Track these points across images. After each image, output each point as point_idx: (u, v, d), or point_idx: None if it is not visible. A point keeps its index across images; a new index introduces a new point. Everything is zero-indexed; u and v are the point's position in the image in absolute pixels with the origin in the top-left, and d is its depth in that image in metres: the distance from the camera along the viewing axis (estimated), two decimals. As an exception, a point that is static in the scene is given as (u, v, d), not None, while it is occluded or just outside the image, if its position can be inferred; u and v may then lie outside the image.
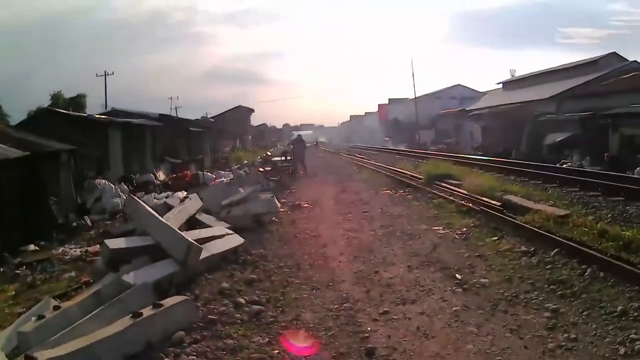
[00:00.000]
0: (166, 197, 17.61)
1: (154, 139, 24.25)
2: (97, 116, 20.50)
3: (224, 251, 6.97)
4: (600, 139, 20.59)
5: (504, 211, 9.27)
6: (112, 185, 17.13)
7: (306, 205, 12.11)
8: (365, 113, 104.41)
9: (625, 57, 34.04)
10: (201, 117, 60.17)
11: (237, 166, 32.21)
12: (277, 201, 11.79)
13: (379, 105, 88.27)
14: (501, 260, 6.62)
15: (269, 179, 16.25)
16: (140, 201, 7.80)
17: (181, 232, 6.63)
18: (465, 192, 11.38)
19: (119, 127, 20.62)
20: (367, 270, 6.45)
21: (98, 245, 10.70)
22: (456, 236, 8.17)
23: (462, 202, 10.56)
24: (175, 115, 53.53)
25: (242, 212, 9.18)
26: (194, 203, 9.20)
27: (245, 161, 35.01)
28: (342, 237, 8.47)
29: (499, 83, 47.70)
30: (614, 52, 34.75)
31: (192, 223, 8.76)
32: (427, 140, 46.52)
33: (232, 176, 21.51)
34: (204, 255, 6.50)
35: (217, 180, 21.31)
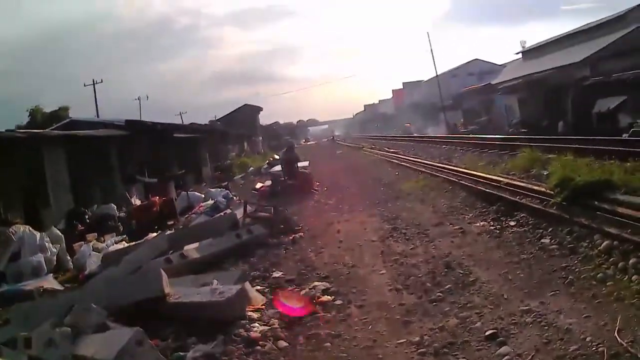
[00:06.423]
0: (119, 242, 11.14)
1: (123, 154, 17.32)
2: (19, 131, 13.68)
3: None
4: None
5: None
6: (35, 233, 10.29)
7: (322, 298, 4.92)
8: (379, 101, 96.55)
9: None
10: (209, 121, 53.48)
11: (240, 176, 25.26)
12: (249, 295, 4.74)
13: (394, 90, 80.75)
14: None
15: (256, 216, 8.76)
16: None
17: None
18: None
19: (61, 144, 13.67)
20: None
21: None
22: None
23: None
24: (181, 121, 46.73)
25: None
26: None
27: (252, 168, 27.98)
28: None
29: (517, 53, 42.12)
30: (640, 4, 29.05)
31: None
32: (457, 122, 39.13)
33: (219, 197, 14.31)
34: None
35: (201, 206, 14.28)
